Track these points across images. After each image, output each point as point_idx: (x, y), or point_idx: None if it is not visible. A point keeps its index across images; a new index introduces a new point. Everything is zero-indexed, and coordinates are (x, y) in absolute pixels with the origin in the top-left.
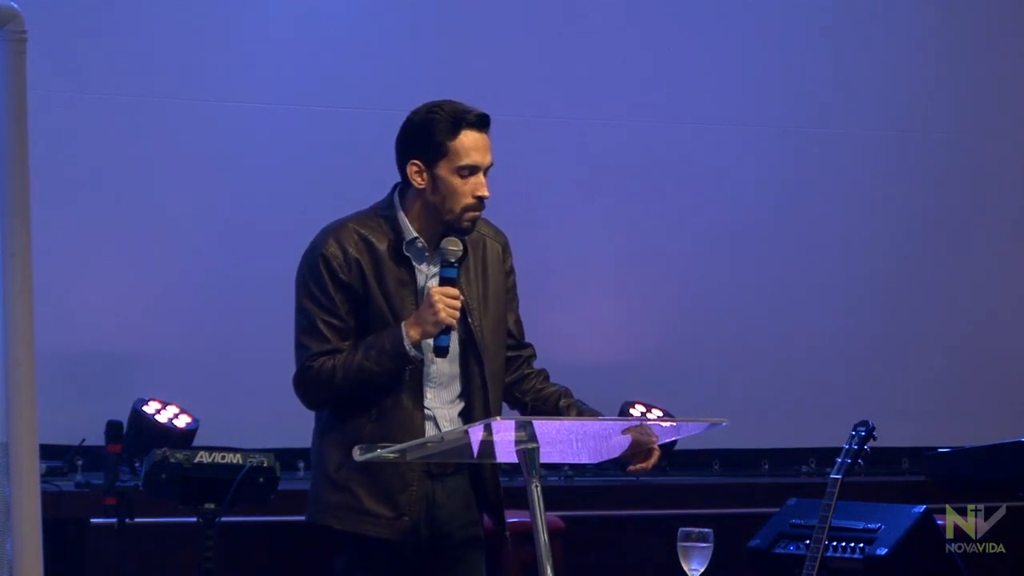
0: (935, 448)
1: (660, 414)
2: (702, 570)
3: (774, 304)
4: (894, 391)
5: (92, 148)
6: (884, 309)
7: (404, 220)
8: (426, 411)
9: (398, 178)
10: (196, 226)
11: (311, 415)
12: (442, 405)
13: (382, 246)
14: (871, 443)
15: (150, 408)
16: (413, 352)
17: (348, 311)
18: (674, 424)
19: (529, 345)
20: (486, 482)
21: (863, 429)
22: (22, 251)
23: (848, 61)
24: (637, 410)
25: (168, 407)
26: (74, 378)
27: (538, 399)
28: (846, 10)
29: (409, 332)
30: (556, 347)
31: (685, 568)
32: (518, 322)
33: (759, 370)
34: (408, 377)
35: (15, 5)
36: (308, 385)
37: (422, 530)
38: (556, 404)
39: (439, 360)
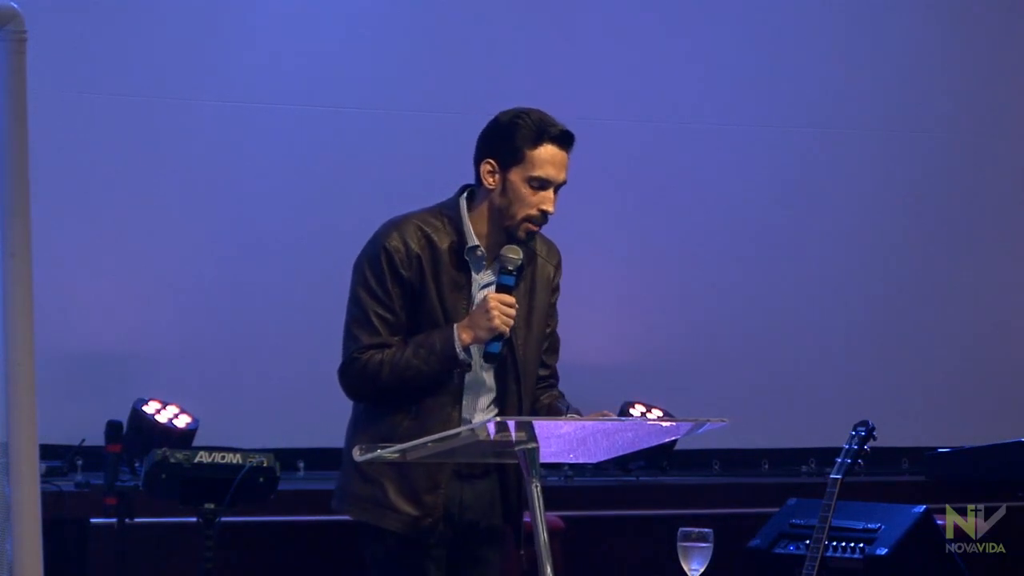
0: (935, 448)
1: (660, 414)
2: (702, 570)
3: (774, 304)
4: (894, 391)
5: (92, 148)
6: (884, 309)
7: (468, 225)
8: (464, 417)
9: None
10: (196, 226)
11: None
12: (477, 412)
13: (443, 245)
14: (871, 443)
15: (150, 408)
16: (463, 355)
17: (402, 306)
18: (674, 424)
19: (551, 367)
20: (511, 487)
21: (863, 429)
22: (22, 251)
23: (852, 61)
24: (637, 410)
25: (168, 407)
26: (74, 378)
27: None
28: (847, 11)
29: (461, 335)
30: None
31: (685, 568)
32: (553, 338)
33: (759, 370)
34: (452, 380)
35: (15, 5)
36: (353, 376)
37: (445, 531)
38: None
39: (476, 368)
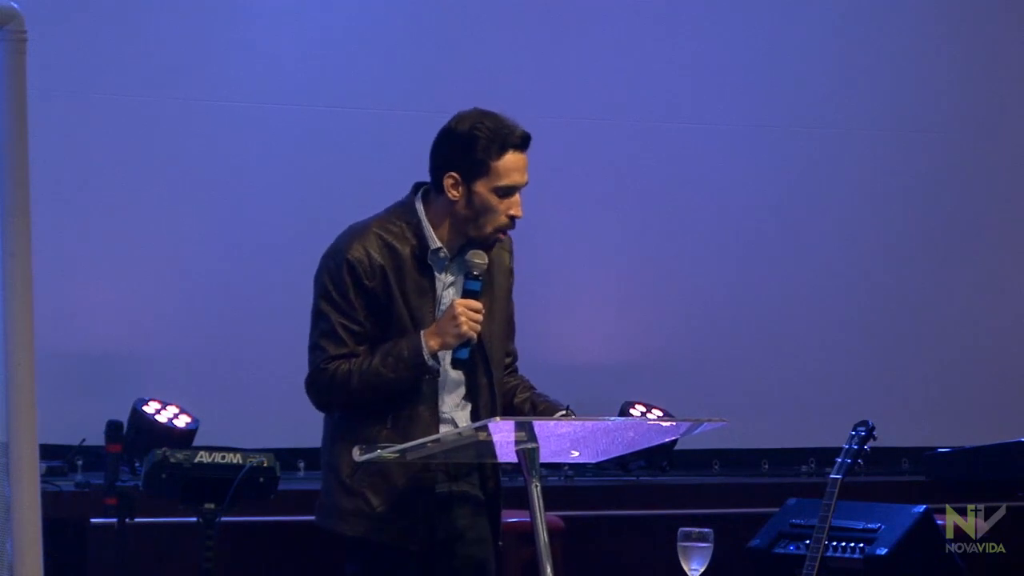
0: (935, 448)
1: (660, 414)
2: (702, 570)
3: (774, 304)
4: (894, 391)
5: (92, 148)
6: (884, 309)
7: (428, 229)
8: (443, 415)
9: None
10: (196, 226)
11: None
12: (452, 409)
13: (405, 252)
14: (871, 443)
15: (150, 408)
16: (431, 362)
17: (367, 316)
18: (674, 424)
19: (512, 351)
20: (489, 487)
21: (863, 429)
22: (22, 251)
23: (853, 61)
24: (637, 410)
25: (168, 407)
26: (74, 378)
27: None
28: (849, 11)
29: (428, 342)
30: (557, 347)
31: (685, 568)
32: (512, 322)
33: (759, 370)
34: (423, 386)
35: (15, 5)
36: (321, 387)
37: (437, 535)
38: (512, 401)
39: (445, 364)
